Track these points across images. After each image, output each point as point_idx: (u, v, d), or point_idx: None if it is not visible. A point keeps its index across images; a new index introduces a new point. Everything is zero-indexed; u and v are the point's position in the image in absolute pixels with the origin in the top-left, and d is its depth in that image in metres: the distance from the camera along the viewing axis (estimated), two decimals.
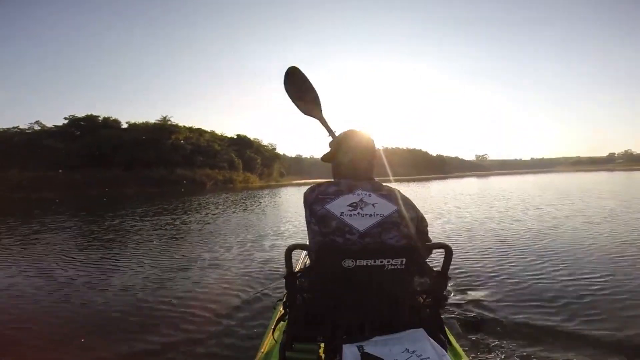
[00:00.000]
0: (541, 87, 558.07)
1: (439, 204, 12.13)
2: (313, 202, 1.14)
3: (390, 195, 1.18)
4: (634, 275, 3.52)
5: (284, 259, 1.09)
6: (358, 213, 1.10)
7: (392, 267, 1.02)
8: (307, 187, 1.24)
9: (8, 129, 42.31)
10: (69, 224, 9.31)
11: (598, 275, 3.53)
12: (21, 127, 43.27)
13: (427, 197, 15.90)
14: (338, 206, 1.11)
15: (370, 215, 1.10)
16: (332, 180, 1.27)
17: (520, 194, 15.17)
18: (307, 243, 1.18)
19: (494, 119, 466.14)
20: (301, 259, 2.06)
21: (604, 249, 4.64)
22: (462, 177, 61.91)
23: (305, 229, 1.20)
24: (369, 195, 1.15)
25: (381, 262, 1.02)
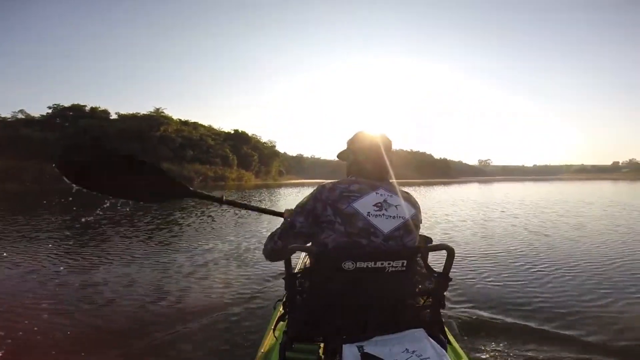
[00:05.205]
0: (547, 92, 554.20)
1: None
2: (337, 200, 1.08)
3: (410, 198, 1.17)
4: (629, 281, 3.56)
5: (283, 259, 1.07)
6: (383, 214, 1.08)
7: (393, 269, 1.01)
8: (312, 188, 1.18)
9: None
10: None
11: (598, 281, 3.52)
12: (3, 115, 40.91)
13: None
14: (364, 205, 1.07)
15: (394, 217, 1.08)
16: (351, 178, 1.19)
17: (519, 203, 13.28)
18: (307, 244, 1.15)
19: (498, 123, 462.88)
20: (301, 259, 2.04)
21: (604, 257, 4.57)
22: (466, 182, 59.67)
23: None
24: (391, 196, 1.12)
25: (382, 264, 1.00)
